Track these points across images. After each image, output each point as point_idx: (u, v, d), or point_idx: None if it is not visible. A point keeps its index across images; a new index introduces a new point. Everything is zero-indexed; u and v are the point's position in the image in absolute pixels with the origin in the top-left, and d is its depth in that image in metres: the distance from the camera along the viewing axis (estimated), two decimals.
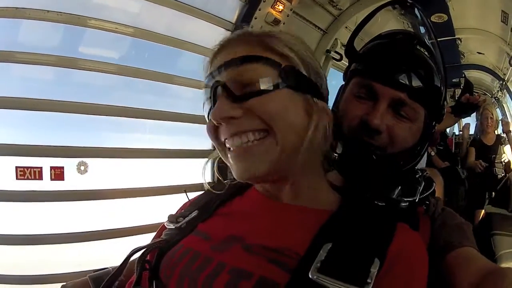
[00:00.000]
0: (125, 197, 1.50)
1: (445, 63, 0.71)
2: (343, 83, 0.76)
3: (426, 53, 0.70)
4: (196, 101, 1.78)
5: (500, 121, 3.20)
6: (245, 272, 0.45)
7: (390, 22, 2.87)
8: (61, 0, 1.33)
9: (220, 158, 0.57)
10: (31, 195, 1.32)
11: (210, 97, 0.51)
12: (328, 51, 2.57)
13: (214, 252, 0.50)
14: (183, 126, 1.73)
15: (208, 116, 0.53)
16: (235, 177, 0.53)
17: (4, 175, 1.28)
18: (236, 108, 0.49)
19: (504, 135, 3.08)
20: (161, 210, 0.79)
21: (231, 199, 0.61)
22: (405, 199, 0.64)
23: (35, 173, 1.30)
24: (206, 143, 1.85)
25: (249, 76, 0.49)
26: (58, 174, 1.34)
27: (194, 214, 0.60)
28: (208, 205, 0.61)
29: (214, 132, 0.53)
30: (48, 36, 1.41)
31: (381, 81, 0.65)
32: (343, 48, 0.76)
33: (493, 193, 2.72)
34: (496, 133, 3.16)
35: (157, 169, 1.63)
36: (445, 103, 0.74)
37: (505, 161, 3.04)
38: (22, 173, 1.29)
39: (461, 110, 1.54)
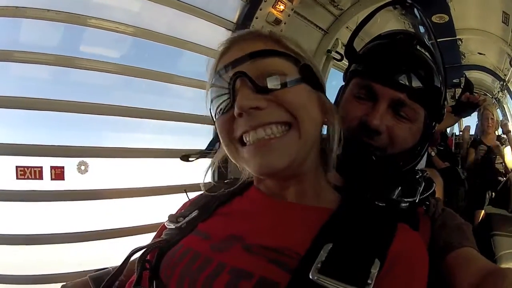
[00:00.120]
0: (125, 197, 1.50)
1: (446, 64, 0.71)
2: (343, 83, 0.76)
3: (426, 53, 0.70)
4: (196, 101, 1.78)
5: (499, 122, 3.19)
6: (245, 272, 0.45)
7: (390, 22, 2.87)
8: None
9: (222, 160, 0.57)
10: (31, 195, 1.32)
11: (229, 89, 0.50)
12: (329, 51, 2.56)
13: (214, 252, 0.50)
14: (184, 126, 1.73)
15: (220, 110, 0.52)
16: (252, 172, 0.53)
17: (5, 175, 1.28)
18: (261, 99, 0.49)
19: (504, 136, 3.08)
20: (161, 210, 0.79)
21: (231, 199, 0.61)
22: (405, 200, 0.64)
23: (35, 173, 1.30)
24: (206, 143, 1.85)
25: (272, 68, 0.50)
26: (58, 174, 1.34)
27: (194, 214, 0.60)
28: (208, 205, 0.61)
29: (228, 126, 0.52)
30: (48, 35, 1.41)
31: (380, 81, 0.65)
32: (344, 48, 0.76)
33: (493, 193, 2.72)
34: (497, 133, 3.16)
35: (157, 169, 1.63)
36: (446, 103, 0.74)
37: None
38: (23, 172, 1.29)
39: (461, 109, 1.53)
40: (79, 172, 1.40)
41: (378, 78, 0.65)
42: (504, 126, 3.07)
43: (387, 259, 0.44)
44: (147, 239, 0.64)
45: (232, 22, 1.84)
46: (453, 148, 3.70)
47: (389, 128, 0.65)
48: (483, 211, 2.36)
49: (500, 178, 2.88)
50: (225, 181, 0.65)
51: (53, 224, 1.35)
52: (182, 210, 0.65)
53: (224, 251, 0.49)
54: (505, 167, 3.00)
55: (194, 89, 1.73)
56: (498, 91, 4.65)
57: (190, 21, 1.68)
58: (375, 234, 0.48)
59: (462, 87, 3.54)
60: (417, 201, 0.65)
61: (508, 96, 4.37)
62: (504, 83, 4.21)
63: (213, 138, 1.42)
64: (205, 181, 0.63)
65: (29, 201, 1.33)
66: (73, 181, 1.38)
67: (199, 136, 1.80)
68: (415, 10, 0.79)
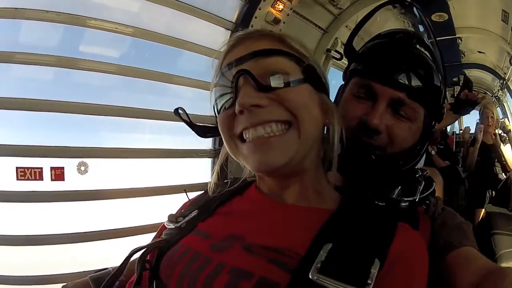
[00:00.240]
0: (125, 197, 1.50)
1: (445, 62, 0.71)
2: (343, 82, 0.75)
3: (426, 52, 0.70)
4: (196, 101, 1.78)
5: (499, 123, 3.19)
6: (245, 272, 0.45)
7: (389, 21, 2.87)
8: (61, 0, 1.33)
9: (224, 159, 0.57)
10: (31, 196, 1.32)
11: (231, 87, 0.51)
12: (328, 50, 2.56)
13: (214, 251, 0.50)
14: (183, 126, 1.72)
15: (222, 108, 0.53)
16: (250, 169, 0.53)
17: (5, 176, 1.28)
18: (263, 97, 0.49)
19: (505, 135, 3.08)
20: (161, 210, 0.78)
21: (231, 199, 0.61)
22: (405, 199, 0.64)
23: (36, 174, 1.30)
24: (206, 143, 1.84)
25: (275, 67, 0.50)
26: (58, 174, 1.34)
27: (194, 213, 0.60)
28: (208, 205, 0.61)
29: (228, 122, 0.52)
30: (48, 37, 1.41)
31: (380, 81, 0.65)
32: (343, 48, 0.76)
33: (494, 192, 2.71)
34: (497, 132, 3.15)
35: (157, 169, 1.63)
36: (446, 101, 0.74)
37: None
38: (23, 173, 1.29)
39: (460, 107, 1.53)
40: (79, 172, 1.40)
41: (377, 77, 0.65)
42: (503, 128, 3.07)
43: (387, 259, 0.44)
44: (147, 239, 0.64)
45: (232, 22, 1.84)
46: (453, 147, 3.70)
47: (389, 128, 0.65)
48: (483, 210, 2.36)
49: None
50: (225, 181, 0.66)
51: (53, 225, 1.35)
52: (182, 210, 0.65)
53: (224, 250, 0.49)
54: (503, 166, 3.00)
55: (193, 89, 1.73)
56: (498, 90, 4.64)
57: (189, 21, 1.67)
58: (375, 233, 0.48)
59: (460, 85, 3.54)
60: (417, 200, 0.65)
61: (508, 94, 4.36)
62: (504, 82, 4.20)
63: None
64: (204, 181, 0.63)
65: (29, 202, 1.33)
66: (73, 181, 1.38)
67: (199, 136, 1.79)
68: (415, 9, 0.79)
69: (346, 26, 2.55)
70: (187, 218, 0.60)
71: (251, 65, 0.50)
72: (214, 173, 0.62)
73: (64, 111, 1.38)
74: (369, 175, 0.62)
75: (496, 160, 3.03)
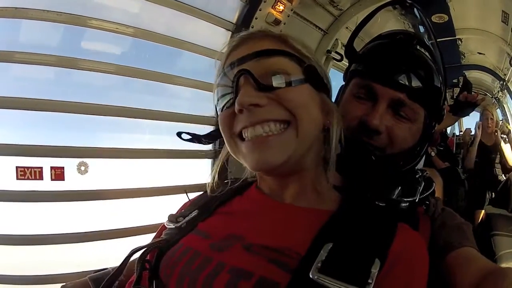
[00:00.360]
0: (125, 197, 1.50)
1: (446, 64, 0.71)
2: (343, 83, 0.76)
3: (426, 53, 0.70)
4: (195, 101, 1.79)
5: (499, 125, 3.19)
6: (245, 271, 0.45)
7: (390, 22, 2.87)
8: (61, 0, 1.33)
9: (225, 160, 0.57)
10: (31, 195, 1.31)
11: (232, 87, 0.51)
12: (328, 52, 2.56)
13: (214, 251, 0.50)
14: (183, 126, 1.73)
15: (224, 107, 0.53)
16: (249, 167, 0.53)
17: (5, 175, 1.28)
18: (262, 96, 0.50)
19: (505, 136, 3.08)
20: (162, 210, 0.79)
21: (231, 199, 0.61)
22: (405, 199, 0.64)
23: (36, 173, 1.30)
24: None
25: (276, 67, 0.51)
26: (58, 174, 1.34)
27: (194, 213, 0.60)
28: (208, 205, 0.61)
29: (229, 121, 0.53)
30: (48, 36, 1.41)
31: (380, 81, 0.65)
32: (344, 49, 0.76)
33: (493, 193, 2.71)
34: (497, 134, 3.15)
35: (157, 169, 1.63)
36: (445, 103, 0.74)
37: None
38: (23, 173, 1.28)
39: (460, 108, 1.53)
40: (79, 172, 1.40)
41: (378, 78, 0.65)
42: (503, 131, 3.08)
43: (387, 259, 0.44)
44: (147, 239, 0.64)
45: (232, 23, 1.84)
46: (453, 148, 3.70)
47: (389, 128, 0.65)
48: (483, 211, 2.36)
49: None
50: (225, 181, 0.66)
51: (53, 225, 1.35)
52: (182, 210, 0.65)
53: (224, 250, 0.49)
54: (503, 165, 3.00)
55: (193, 90, 1.73)
56: (498, 91, 4.64)
57: (189, 21, 1.68)
58: (375, 233, 0.48)
59: (460, 86, 3.54)
60: (417, 200, 0.65)
61: (508, 95, 4.37)
62: (504, 83, 4.21)
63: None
64: (204, 182, 0.63)
65: (29, 202, 1.32)
66: (73, 181, 1.37)
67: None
68: (415, 10, 0.80)
69: (347, 28, 2.55)
70: (187, 218, 0.60)
71: (252, 65, 0.51)
72: (214, 172, 0.62)
73: (64, 111, 1.38)
74: (369, 176, 0.62)
75: (496, 161, 3.03)
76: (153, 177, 1.59)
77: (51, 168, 1.33)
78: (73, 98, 1.39)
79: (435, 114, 0.70)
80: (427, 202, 0.68)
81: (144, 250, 0.54)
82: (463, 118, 3.31)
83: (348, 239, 0.46)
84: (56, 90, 1.41)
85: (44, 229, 1.34)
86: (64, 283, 0.74)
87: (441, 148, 2.83)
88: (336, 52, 2.56)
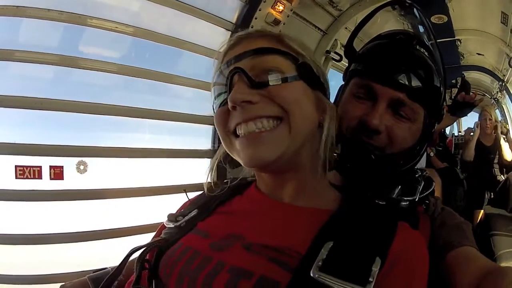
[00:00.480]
0: (124, 197, 1.50)
1: (445, 64, 0.71)
2: (343, 83, 0.76)
3: (425, 53, 0.70)
4: (196, 101, 1.79)
5: (498, 126, 3.20)
6: (245, 271, 0.45)
7: (389, 22, 2.87)
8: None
9: (222, 158, 0.57)
10: (30, 195, 1.31)
11: (226, 84, 0.52)
12: (328, 52, 2.57)
13: (214, 250, 0.50)
14: (183, 126, 1.73)
15: (219, 104, 0.54)
16: (242, 164, 0.53)
17: (4, 174, 1.28)
18: (255, 93, 0.50)
19: (504, 136, 3.09)
20: (161, 210, 0.79)
21: (230, 198, 0.61)
22: (405, 199, 0.64)
23: (35, 172, 1.30)
24: (206, 143, 1.85)
25: (270, 65, 0.51)
26: (57, 173, 1.34)
27: (193, 213, 0.60)
28: (207, 204, 0.61)
29: (224, 118, 0.53)
30: (49, 35, 1.41)
31: (380, 81, 0.65)
32: (343, 49, 0.76)
33: (492, 193, 2.72)
34: (495, 134, 3.16)
35: (157, 169, 1.63)
36: (444, 103, 0.74)
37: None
38: (22, 172, 1.28)
39: (458, 109, 1.53)
40: (78, 171, 1.39)
41: (377, 77, 0.66)
42: (501, 131, 3.09)
43: (388, 258, 0.44)
44: (147, 239, 0.64)
45: (231, 23, 1.85)
46: (452, 149, 3.70)
47: (389, 128, 0.65)
48: (482, 211, 2.37)
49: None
50: (225, 181, 0.66)
51: (52, 224, 1.35)
52: (182, 210, 0.65)
53: (223, 250, 0.49)
54: (501, 163, 3.01)
55: (193, 89, 1.74)
56: (497, 92, 4.66)
57: (189, 21, 1.68)
58: (375, 232, 0.48)
59: (458, 87, 3.55)
60: (416, 200, 0.65)
61: (507, 96, 4.38)
62: (503, 84, 4.22)
63: None
64: (204, 181, 0.63)
65: (28, 201, 1.32)
66: (72, 180, 1.38)
67: (199, 136, 1.80)
68: (415, 10, 0.80)
69: (346, 28, 2.56)
70: (186, 218, 0.60)
71: (247, 63, 0.51)
72: (209, 171, 0.62)
73: (64, 110, 1.38)
74: (368, 175, 0.62)
75: (494, 162, 3.04)
76: (152, 177, 1.59)
77: (50, 167, 1.33)
78: (73, 97, 1.39)
79: (434, 113, 0.70)
80: (427, 202, 0.68)
81: (144, 250, 0.54)
82: (462, 119, 3.32)
83: (349, 238, 0.46)
84: (56, 89, 1.41)
85: (43, 229, 1.34)
86: (63, 283, 0.74)
87: (440, 149, 2.84)
88: (335, 53, 2.56)
